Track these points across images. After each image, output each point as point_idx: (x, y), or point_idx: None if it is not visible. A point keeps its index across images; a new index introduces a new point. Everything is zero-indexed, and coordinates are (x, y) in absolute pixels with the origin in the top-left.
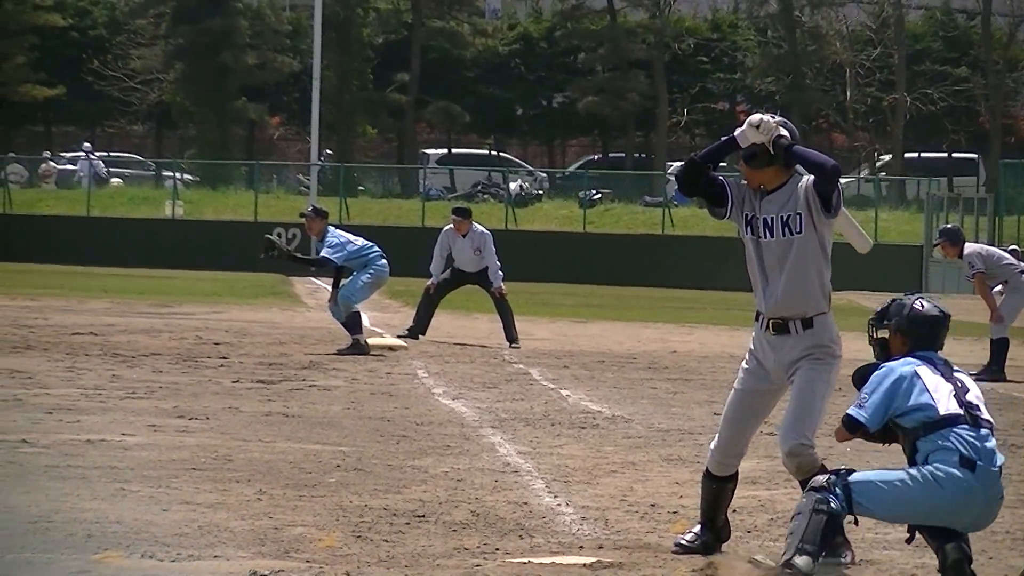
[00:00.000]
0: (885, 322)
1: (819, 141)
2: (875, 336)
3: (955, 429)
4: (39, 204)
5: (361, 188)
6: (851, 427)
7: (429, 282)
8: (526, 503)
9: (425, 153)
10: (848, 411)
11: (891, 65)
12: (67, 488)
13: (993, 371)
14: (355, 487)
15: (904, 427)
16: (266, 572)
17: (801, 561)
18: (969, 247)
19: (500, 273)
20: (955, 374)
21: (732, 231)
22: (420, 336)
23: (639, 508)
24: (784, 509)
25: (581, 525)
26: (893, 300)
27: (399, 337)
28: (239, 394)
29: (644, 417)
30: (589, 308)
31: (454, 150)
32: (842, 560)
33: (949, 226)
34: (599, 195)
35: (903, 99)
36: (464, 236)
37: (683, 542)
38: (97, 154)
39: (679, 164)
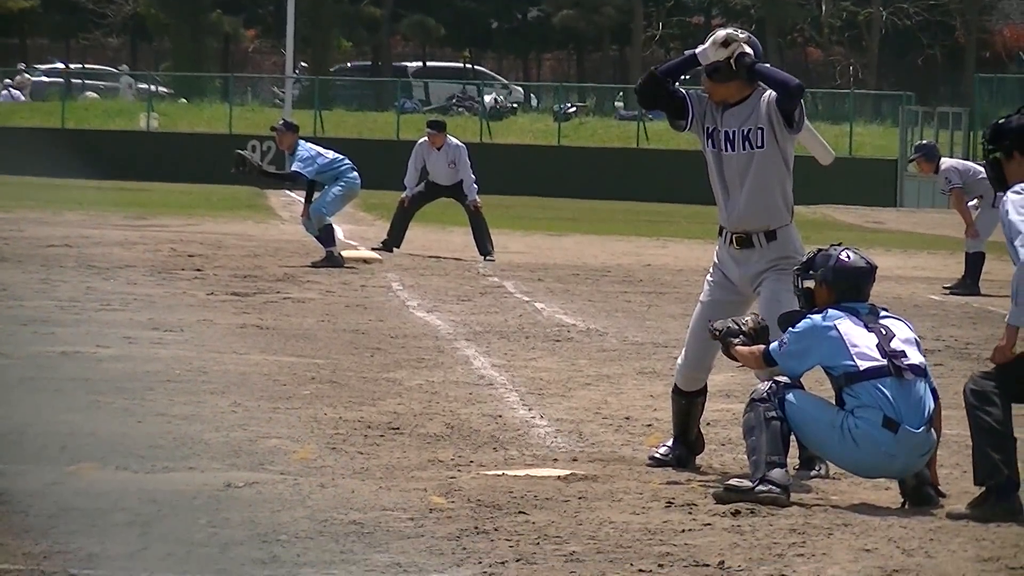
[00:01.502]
0: (811, 273)
1: (794, 55)
2: (800, 287)
3: (878, 384)
4: (13, 116)
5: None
6: (768, 362)
7: (403, 195)
8: (500, 416)
9: (403, 66)
10: (770, 347)
11: None
12: (41, 400)
13: (968, 285)
14: (329, 399)
15: (830, 375)
16: (240, 484)
17: (776, 474)
18: (946, 162)
19: (475, 186)
20: (881, 320)
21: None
22: (394, 249)
23: (613, 421)
24: None
25: (555, 438)
26: (819, 250)
27: (373, 250)
28: (213, 306)
29: (618, 330)
30: (563, 221)
31: (429, 63)
32: (818, 472)
33: (925, 142)
34: (574, 108)
35: (878, 13)
36: (439, 149)
37: (657, 456)
38: (72, 66)
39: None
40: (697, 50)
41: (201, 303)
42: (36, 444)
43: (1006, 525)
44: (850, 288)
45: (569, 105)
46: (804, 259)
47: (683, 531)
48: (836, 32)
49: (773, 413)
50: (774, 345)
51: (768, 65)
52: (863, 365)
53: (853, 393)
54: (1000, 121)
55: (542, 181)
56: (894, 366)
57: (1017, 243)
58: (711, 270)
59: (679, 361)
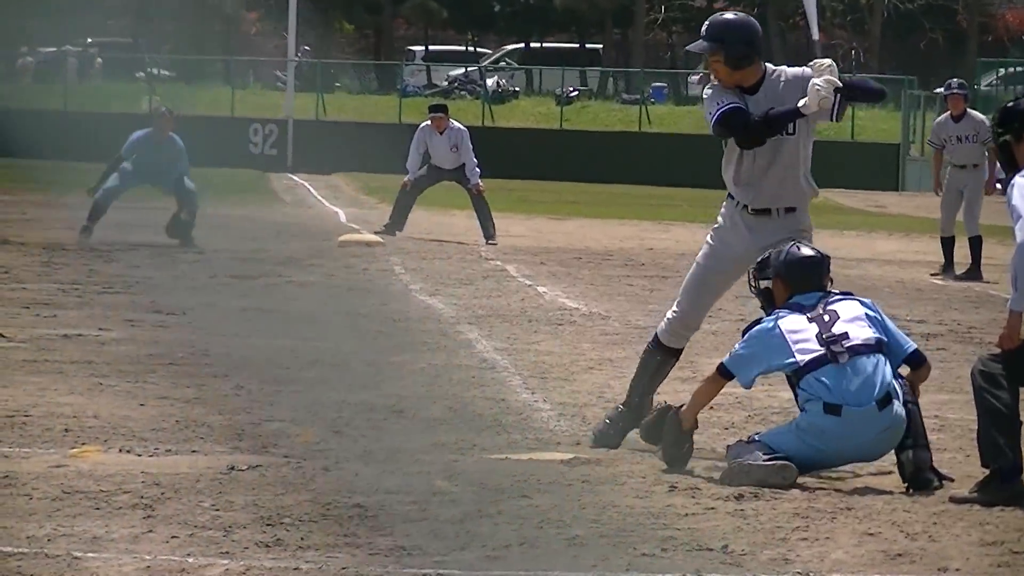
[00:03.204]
0: (767, 271)
1: (796, 39)
2: (759, 287)
3: (815, 374)
4: (15, 99)
5: (338, 84)
6: (724, 373)
7: (405, 179)
8: (503, 399)
9: (411, 50)
10: (723, 360)
11: None
12: (44, 382)
13: (970, 272)
14: (332, 383)
15: (787, 377)
16: (244, 467)
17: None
18: (979, 114)
19: (478, 170)
20: (829, 306)
21: (708, 129)
22: (397, 232)
23: (616, 405)
24: (761, 406)
25: (558, 421)
26: (771, 250)
27: (376, 233)
28: (215, 289)
29: (621, 314)
30: (565, 205)
31: (439, 47)
32: None
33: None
34: (576, 92)
35: None
36: (441, 133)
37: (597, 432)
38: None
39: (734, 122)
40: (800, 105)
41: (203, 286)
42: (39, 427)
43: (1010, 509)
44: (803, 279)
45: (571, 88)
46: (759, 260)
47: (686, 515)
48: (838, 15)
49: (752, 447)
50: (726, 357)
51: (851, 78)
52: (803, 359)
53: (802, 387)
54: (1010, 104)
55: (544, 165)
56: (831, 352)
57: (1017, 227)
58: (712, 234)
59: (668, 315)
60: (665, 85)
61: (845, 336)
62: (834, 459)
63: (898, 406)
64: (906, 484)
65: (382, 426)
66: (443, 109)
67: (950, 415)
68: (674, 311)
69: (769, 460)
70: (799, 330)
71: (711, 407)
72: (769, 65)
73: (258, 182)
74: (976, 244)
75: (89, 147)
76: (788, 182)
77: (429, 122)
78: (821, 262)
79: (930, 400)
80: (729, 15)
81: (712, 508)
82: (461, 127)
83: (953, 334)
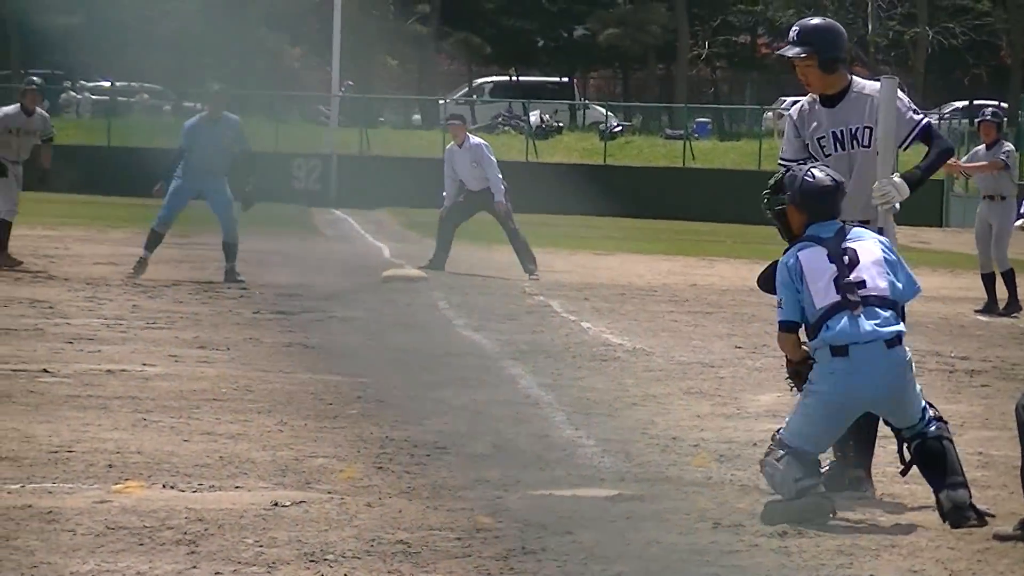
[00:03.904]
0: (781, 196)
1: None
2: (773, 209)
3: (828, 323)
4: (59, 134)
5: (381, 119)
6: (785, 327)
7: (441, 209)
8: (547, 435)
9: (482, 84)
10: (779, 319)
11: None
12: (88, 418)
13: (1009, 305)
14: (376, 418)
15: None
16: (287, 503)
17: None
18: (1008, 144)
19: (503, 186)
20: (848, 243)
21: (753, 164)
22: (444, 267)
23: (660, 441)
24: None
25: (602, 458)
26: (787, 170)
27: (420, 268)
28: (259, 325)
29: (665, 350)
30: (609, 240)
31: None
32: (864, 494)
33: (996, 110)
34: (620, 127)
35: (925, 33)
36: (461, 147)
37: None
38: (117, 83)
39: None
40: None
41: (247, 321)
42: (83, 462)
43: None
44: (819, 206)
45: (615, 124)
46: (773, 181)
47: (730, 552)
48: (882, 51)
49: (780, 452)
50: (777, 312)
51: (919, 174)
52: (820, 305)
53: (815, 339)
54: None
55: (588, 200)
56: (846, 299)
57: None
58: None
59: None
60: (709, 120)
61: (863, 284)
62: (849, 404)
63: (909, 353)
64: (945, 521)
65: (425, 462)
66: (460, 117)
67: (994, 452)
68: None
69: (801, 485)
70: (818, 270)
71: (754, 443)
72: (857, 79)
73: (301, 217)
74: (1009, 277)
75: (132, 182)
76: (863, 194)
77: (452, 142)
78: (837, 188)
79: (974, 436)
80: (817, 20)
81: (756, 545)
82: (480, 141)
83: (997, 371)
